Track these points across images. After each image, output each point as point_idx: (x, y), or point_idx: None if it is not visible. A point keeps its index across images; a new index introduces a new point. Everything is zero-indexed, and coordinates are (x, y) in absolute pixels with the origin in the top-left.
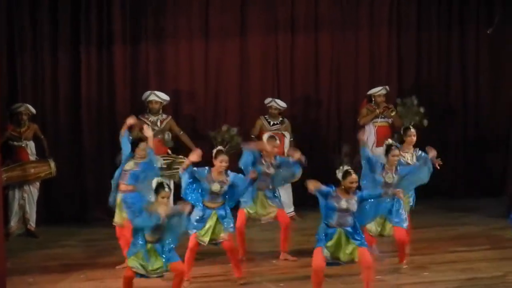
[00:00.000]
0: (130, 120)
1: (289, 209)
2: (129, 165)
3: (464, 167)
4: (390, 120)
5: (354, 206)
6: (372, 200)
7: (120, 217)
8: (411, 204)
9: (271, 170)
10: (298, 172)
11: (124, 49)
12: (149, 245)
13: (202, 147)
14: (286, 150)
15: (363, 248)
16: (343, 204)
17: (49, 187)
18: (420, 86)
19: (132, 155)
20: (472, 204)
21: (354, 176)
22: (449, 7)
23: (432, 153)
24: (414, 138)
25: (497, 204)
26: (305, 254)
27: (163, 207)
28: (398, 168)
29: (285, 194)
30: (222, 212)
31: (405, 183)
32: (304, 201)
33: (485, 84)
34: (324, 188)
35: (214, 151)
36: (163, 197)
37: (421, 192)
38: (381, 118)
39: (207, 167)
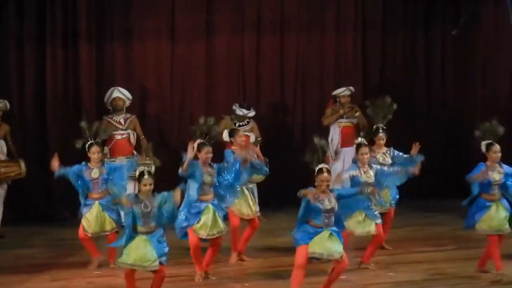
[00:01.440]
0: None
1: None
2: (95, 173)
3: (429, 168)
4: (355, 121)
5: (335, 204)
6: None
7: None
8: (392, 203)
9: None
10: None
11: (90, 47)
12: (143, 237)
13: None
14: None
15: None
16: (327, 204)
17: (16, 186)
18: (385, 86)
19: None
20: (437, 204)
21: (325, 175)
22: (414, 7)
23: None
24: (383, 142)
25: (462, 205)
26: (270, 255)
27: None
28: (373, 166)
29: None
30: (215, 203)
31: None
32: (269, 202)
33: (450, 84)
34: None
35: (196, 144)
36: (145, 185)
37: None
38: (345, 118)
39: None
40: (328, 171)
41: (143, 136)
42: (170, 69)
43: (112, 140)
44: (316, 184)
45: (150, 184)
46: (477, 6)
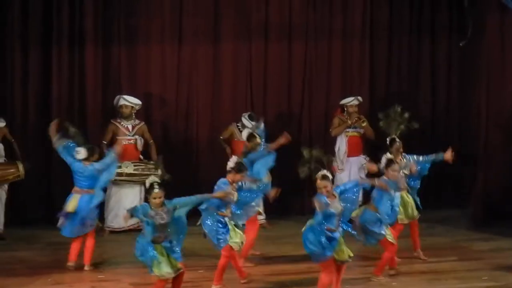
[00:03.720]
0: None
1: (260, 217)
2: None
3: (431, 178)
4: (361, 130)
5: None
6: None
7: None
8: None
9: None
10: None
11: (96, 50)
12: (158, 247)
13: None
14: None
15: None
16: (338, 207)
17: (17, 189)
18: (390, 95)
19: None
20: (439, 215)
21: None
22: (420, 16)
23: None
24: (401, 149)
25: (463, 216)
26: (275, 263)
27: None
28: None
29: None
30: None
31: None
32: (274, 209)
33: (456, 93)
34: (324, 201)
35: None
36: (154, 198)
37: None
38: (352, 128)
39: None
40: (324, 176)
41: (152, 141)
42: (176, 73)
43: (118, 146)
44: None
45: (160, 197)
46: (482, 14)
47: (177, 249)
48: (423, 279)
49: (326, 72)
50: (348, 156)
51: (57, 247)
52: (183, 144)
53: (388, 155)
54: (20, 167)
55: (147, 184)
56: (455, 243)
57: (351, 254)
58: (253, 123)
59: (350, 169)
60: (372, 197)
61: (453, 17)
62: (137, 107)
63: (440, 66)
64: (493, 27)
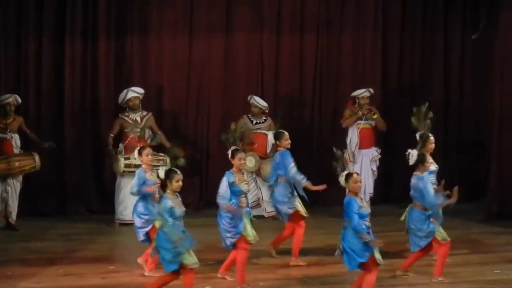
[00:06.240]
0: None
1: (272, 209)
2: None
3: (445, 171)
4: (373, 123)
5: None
6: None
7: None
8: None
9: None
10: None
11: (109, 42)
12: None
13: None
14: (268, 150)
15: None
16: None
17: (30, 180)
18: (402, 89)
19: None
20: (452, 208)
21: (356, 175)
22: (433, 10)
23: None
24: (434, 145)
25: (476, 209)
26: (287, 255)
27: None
28: None
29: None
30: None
31: None
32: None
33: (469, 87)
34: (356, 205)
35: (230, 152)
36: (177, 181)
37: (402, 195)
38: (364, 120)
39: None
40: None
41: (160, 132)
42: (187, 64)
43: (127, 138)
44: (349, 190)
45: (182, 180)
46: (495, 9)
47: None
48: None
49: (337, 64)
50: (360, 148)
51: (69, 238)
52: (194, 135)
53: (415, 151)
54: (37, 158)
55: (165, 172)
56: (468, 236)
57: None
58: (261, 102)
59: (361, 161)
60: (412, 196)
61: (467, 10)
62: (141, 97)
63: (453, 60)
64: (506, 21)
